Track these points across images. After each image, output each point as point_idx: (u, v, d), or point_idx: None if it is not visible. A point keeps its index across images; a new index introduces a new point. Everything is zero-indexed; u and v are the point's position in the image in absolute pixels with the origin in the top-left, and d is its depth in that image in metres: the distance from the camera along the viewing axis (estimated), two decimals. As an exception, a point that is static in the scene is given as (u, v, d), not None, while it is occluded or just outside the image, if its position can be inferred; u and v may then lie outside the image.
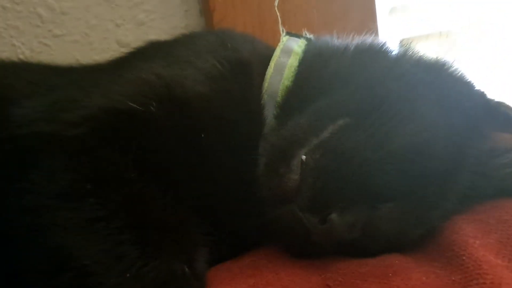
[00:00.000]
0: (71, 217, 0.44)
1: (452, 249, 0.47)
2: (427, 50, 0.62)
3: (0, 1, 0.79)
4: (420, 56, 0.59)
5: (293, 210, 0.45)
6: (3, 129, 0.51)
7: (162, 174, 0.50)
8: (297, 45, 0.62)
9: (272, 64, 0.59)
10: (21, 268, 0.46)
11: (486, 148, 0.54)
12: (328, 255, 0.50)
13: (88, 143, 0.49)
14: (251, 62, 0.59)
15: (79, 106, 0.52)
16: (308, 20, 0.89)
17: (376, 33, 0.93)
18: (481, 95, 0.57)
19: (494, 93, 0.57)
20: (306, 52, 0.61)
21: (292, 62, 0.59)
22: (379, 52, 0.60)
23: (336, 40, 0.65)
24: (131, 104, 0.50)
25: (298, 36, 0.65)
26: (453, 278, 0.44)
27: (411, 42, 0.61)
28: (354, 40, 0.63)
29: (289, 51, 0.61)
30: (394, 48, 0.63)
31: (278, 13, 0.83)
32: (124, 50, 0.75)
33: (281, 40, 0.63)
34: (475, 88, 0.58)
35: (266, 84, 0.58)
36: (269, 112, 0.57)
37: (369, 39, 0.62)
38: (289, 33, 0.66)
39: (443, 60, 0.59)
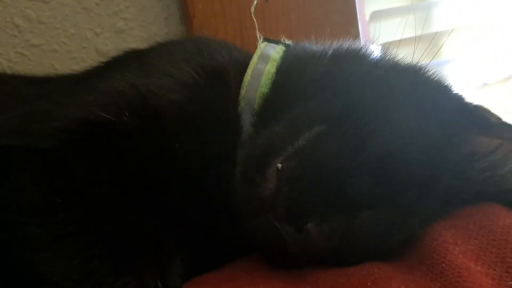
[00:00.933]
0: (40, 232, 0.43)
1: (432, 256, 0.46)
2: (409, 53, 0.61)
3: (-25, 11, 0.78)
4: (397, 60, 0.59)
5: (269, 220, 0.44)
6: None
7: (136, 186, 0.48)
8: (275, 51, 0.61)
9: (249, 71, 0.58)
10: None
11: (465, 153, 0.53)
12: (307, 265, 0.48)
13: (59, 155, 0.48)
14: (228, 70, 0.58)
15: (51, 118, 0.51)
16: (289, 26, 0.88)
17: (357, 38, 0.93)
18: (459, 98, 0.56)
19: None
20: (284, 58, 0.60)
21: (270, 69, 0.58)
22: (356, 56, 0.59)
23: (315, 45, 0.64)
24: (103, 114, 0.49)
25: (276, 42, 0.64)
26: (433, 286, 0.43)
27: (388, 46, 0.60)
28: (333, 45, 0.62)
29: (266, 58, 0.60)
30: (373, 52, 0.62)
31: (254, 19, 0.82)
32: (104, 59, 0.73)
33: (258, 47, 0.62)
34: (453, 92, 0.57)
35: (243, 92, 0.57)
36: (246, 120, 0.55)
37: (346, 43, 0.61)
38: (267, 39, 0.65)
39: (420, 64, 0.58)
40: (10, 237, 0.44)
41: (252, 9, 0.82)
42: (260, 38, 0.65)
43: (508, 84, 1.24)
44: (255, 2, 0.83)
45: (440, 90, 0.57)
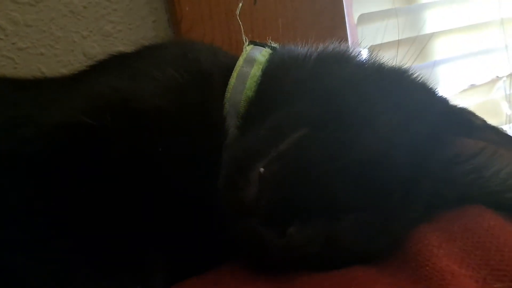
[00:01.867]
0: (18, 238, 0.42)
1: (416, 259, 0.46)
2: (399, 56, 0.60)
3: (-40, 14, 0.76)
4: (382, 63, 0.58)
5: (251, 224, 0.43)
6: None
7: (118, 191, 0.47)
8: (261, 54, 0.60)
9: (234, 74, 0.57)
10: None
11: (450, 155, 0.52)
12: (292, 270, 0.48)
13: (41, 160, 0.47)
14: (213, 73, 0.57)
15: (34, 123, 0.50)
16: (277, 29, 0.87)
17: (345, 41, 0.92)
18: (444, 101, 0.56)
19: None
20: (270, 61, 0.60)
21: (255, 72, 0.57)
22: (341, 59, 0.59)
23: (301, 48, 0.63)
24: (85, 118, 0.48)
25: (263, 45, 0.64)
26: (417, 290, 0.42)
27: (374, 49, 0.60)
28: (318, 47, 0.62)
29: (252, 61, 0.59)
30: (359, 55, 0.61)
31: (240, 22, 0.81)
32: (91, 62, 0.72)
33: (244, 50, 0.62)
34: (438, 94, 0.57)
35: (228, 95, 0.56)
36: (232, 123, 0.55)
37: (332, 46, 0.61)
38: (253, 42, 0.64)
39: (404, 67, 0.57)
40: None
41: (238, 12, 0.82)
42: (246, 41, 0.64)
43: (496, 86, 1.24)
44: (240, 4, 0.82)
45: (425, 92, 0.56)
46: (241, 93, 0.56)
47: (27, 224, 0.42)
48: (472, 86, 1.24)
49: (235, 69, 0.58)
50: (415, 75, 0.57)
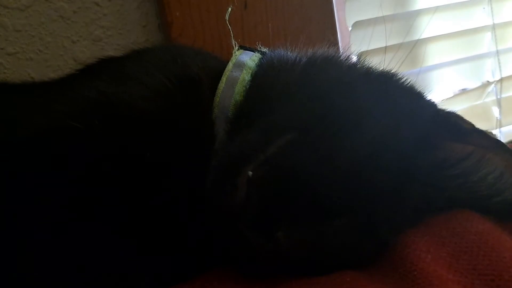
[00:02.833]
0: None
1: (404, 265, 0.45)
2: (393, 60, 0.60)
3: (-51, 19, 0.76)
4: (370, 67, 0.58)
5: (238, 229, 0.43)
6: None
7: (104, 197, 0.47)
8: (250, 59, 0.60)
9: (223, 78, 0.57)
10: None
11: (438, 159, 0.52)
12: (279, 275, 0.47)
13: (27, 165, 0.46)
14: (202, 77, 0.56)
15: (19, 127, 0.49)
16: (268, 33, 0.87)
17: (336, 46, 0.92)
18: (432, 105, 0.56)
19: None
20: (259, 66, 0.59)
21: (244, 76, 0.57)
22: (330, 64, 0.59)
23: (290, 52, 0.63)
24: (72, 122, 0.47)
25: (252, 49, 0.64)
26: (404, 295, 0.42)
27: (362, 54, 0.60)
28: (308, 52, 0.61)
29: (241, 65, 0.59)
30: (349, 59, 0.61)
31: (230, 27, 0.81)
32: (80, 66, 0.72)
33: (233, 54, 0.61)
34: (426, 99, 0.56)
35: (217, 99, 0.56)
36: (220, 128, 0.54)
37: (321, 51, 0.61)
38: (242, 47, 0.64)
39: (393, 71, 0.57)
40: None
41: (227, 17, 0.82)
42: (235, 45, 0.64)
43: (486, 90, 1.24)
44: (229, 9, 0.82)
45: (413, 96, 0.56)
46: (230, 97, 0.55)
47: (10, 232, 0.41)
48: (464, 91, 1.25)
49: (224, 73, 0.58)
50: (403, 80, 0.57)
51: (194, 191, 0.50)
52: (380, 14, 1.09)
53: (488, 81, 1.24)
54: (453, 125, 0.54)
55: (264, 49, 0.64)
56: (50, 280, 0.43)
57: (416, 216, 0.51)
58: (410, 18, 1.15)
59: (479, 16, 1.22)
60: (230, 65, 0.59)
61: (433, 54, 1.18)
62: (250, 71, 0.58)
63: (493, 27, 1.20)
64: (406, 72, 1.06)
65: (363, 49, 1.00)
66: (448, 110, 0.56)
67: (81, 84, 0.55)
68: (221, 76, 0.58)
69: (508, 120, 1.24)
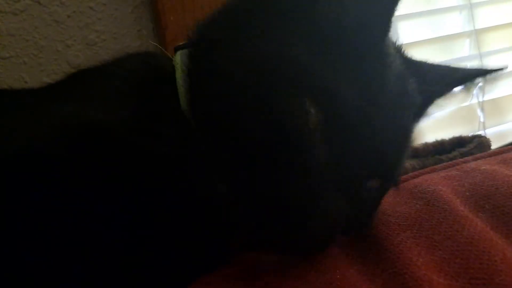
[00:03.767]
0: None
1: (395, 266, 0.45)
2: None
3: None
4: None
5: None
6: None
7: (89, 224, 0.44)
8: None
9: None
10: None
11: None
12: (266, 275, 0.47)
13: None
14: (174, 84, 0.51)
15: None
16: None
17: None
18: None
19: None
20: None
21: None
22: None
23: None
24: (39, 146, 0.44)
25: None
26: (395, 298, 0.42)
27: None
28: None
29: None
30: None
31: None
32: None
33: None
34: None
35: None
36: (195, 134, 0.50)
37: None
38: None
39: None
40: None
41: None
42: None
43: (471, 93, 1.27)
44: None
45: None
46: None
47: None
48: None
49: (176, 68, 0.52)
50: None
51: (178, 199, 0.47)
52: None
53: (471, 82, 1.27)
54: None
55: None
56: None
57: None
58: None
59: (458, 22, 1.25)
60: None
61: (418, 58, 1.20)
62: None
63: (476, 32, 1.23)
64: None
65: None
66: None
67: (49, 104, 0.51)
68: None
69: (491, 122, 1.27)
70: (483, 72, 0.60)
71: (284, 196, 0.42)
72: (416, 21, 1.21)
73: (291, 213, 0.42)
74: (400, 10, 0.48)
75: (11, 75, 0.79)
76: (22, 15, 0.79)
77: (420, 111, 0.57)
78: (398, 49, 0.57)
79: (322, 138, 0.43)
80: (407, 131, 0.51)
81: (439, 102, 0.60)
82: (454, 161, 0.66)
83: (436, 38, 1.22)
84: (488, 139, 0.78)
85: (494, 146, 1.05)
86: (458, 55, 1.26)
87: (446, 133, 1.15)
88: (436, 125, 1.20)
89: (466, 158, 0.67)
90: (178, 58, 0.52)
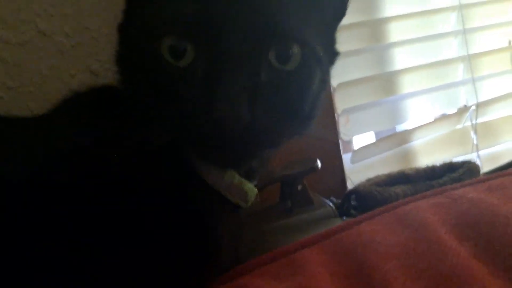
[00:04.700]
0: None
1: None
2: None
3: (-49, 55, 0.77)
4: None
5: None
6: None
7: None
8: None
9: None
10: None
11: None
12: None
13: None
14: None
15: None
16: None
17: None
18: None
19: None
20: None
21: None
22: None
23: None
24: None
25: None
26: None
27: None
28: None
29: None
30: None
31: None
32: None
33: None
34: None
35: None
36: None
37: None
38: None
39: None
40: None
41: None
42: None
43: (464, 116, 1.28)
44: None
45: None
46: None
47: None
48: (442, 116, 1.29)
49: None
50: None
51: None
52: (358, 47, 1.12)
53: (465, 106, 1.28)
54: None
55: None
56: None
57: None
58: (383, 50, 1.19)
59: (453, 47, 1.28)
60: None
61: (411, 83, 1.22)
62: None
63: (469, 58, 1.25)
64: (383, 100, 1.11)
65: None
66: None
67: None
68: None
69: (485, 144, 1.28)
70: None
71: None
72: (411, 47, 1.23)
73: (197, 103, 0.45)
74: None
75: (18, 104, 0.80)
76: (27, 46, 0.81)
77: None
78: None
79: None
80: None
81: None
82: (443, 187, 0.67)
83: (429, 63, 1.24)
84: (478, 165, 0.80)
85: (487, 167, 1.07)
86: (451, 79, 1.28)
87: (440, 155, 1.17)
88: (430, 147, 1.21)
89: (455, 185, 0.68)
90: None
